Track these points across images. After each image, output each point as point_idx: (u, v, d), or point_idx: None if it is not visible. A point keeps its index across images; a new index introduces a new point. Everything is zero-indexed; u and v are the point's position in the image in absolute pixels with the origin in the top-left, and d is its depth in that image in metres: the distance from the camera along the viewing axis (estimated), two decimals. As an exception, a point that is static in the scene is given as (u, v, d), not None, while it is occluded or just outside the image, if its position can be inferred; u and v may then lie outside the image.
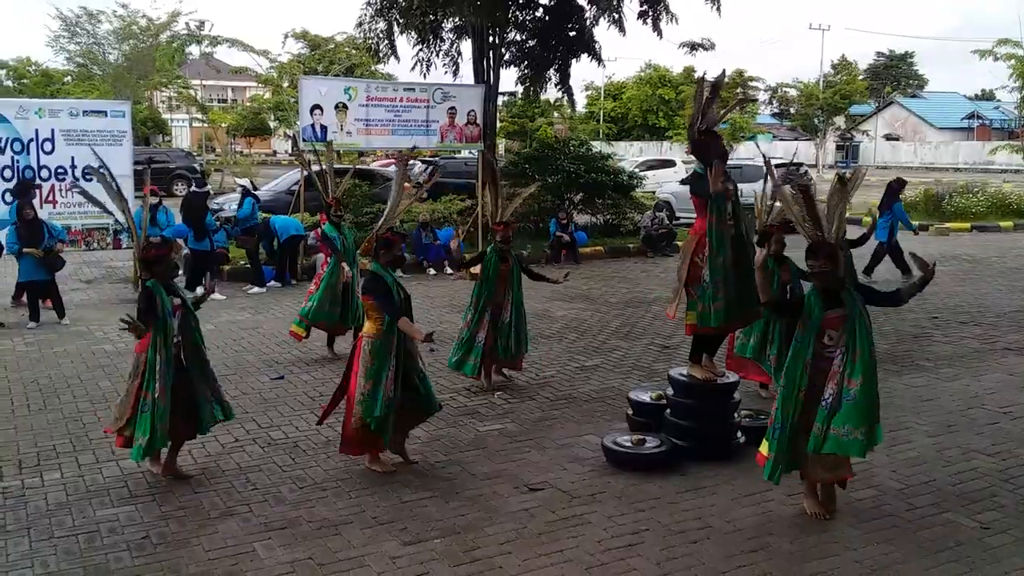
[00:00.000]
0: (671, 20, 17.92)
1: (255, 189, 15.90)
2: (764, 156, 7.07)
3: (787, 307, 5.67)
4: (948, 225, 20.85)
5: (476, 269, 8.05)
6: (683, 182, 6.05)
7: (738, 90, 44.10)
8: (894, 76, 73.87)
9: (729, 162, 6.33)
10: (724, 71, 6.33)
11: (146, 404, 5.52)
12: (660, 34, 18.06)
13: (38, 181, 11.96)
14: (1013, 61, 25.26)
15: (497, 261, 7.83)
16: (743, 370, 7.45)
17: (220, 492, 5.58)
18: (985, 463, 6.10)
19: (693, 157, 6.26)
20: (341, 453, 6.03)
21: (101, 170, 6.60)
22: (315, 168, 10.15)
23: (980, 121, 63.03)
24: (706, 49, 18.94)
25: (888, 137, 63.70)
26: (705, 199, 5.94)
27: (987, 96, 67.22)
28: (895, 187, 14.02)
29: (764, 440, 5.22)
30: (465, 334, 7.81)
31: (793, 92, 50.28)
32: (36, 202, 11.38)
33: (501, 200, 8.21)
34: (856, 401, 4.85)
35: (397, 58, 18.98)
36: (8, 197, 11.62)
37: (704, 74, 6.24)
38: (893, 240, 13.57)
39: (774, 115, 56.19)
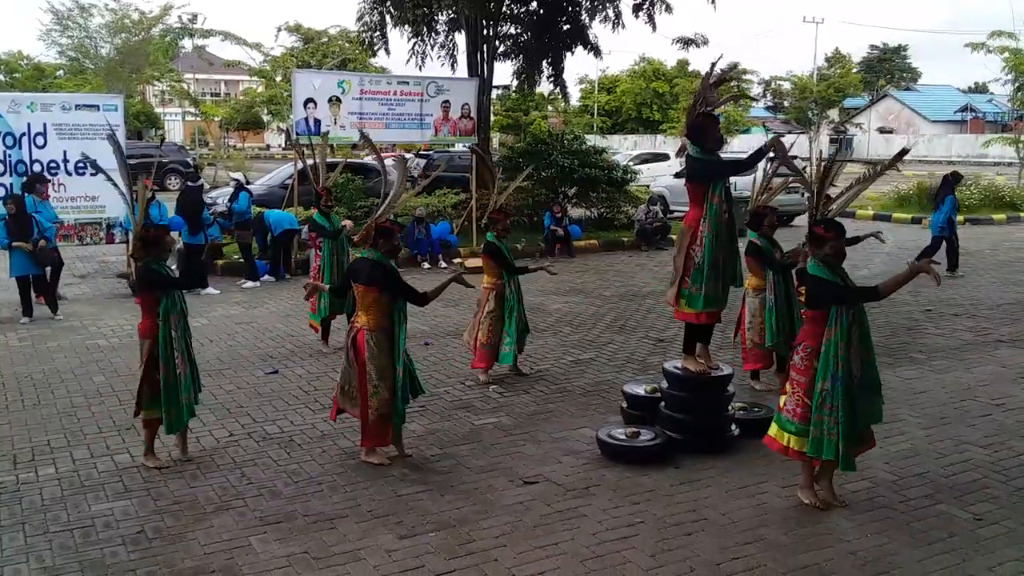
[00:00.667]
0: (665, 10, 17.97)
1: (248, 183, 15.89)
2: (781, 144, 6.74)
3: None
4: (941, 218, 20.88)
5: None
6: (678, 175, 5.93)
7: (732, 83, 44.09)
8: (888, 69, 73.90)
9: (721, 154, 6.31)
10: (737, 64, 6.29)
11: (168, 378, 5.73)
12: (654, 27, 18.11)
13: (31, 175, 11.91)
14: (1006, 54, 25.29)
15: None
16: (761, 362, 7.45)
17: (215, 487, 5.58)
18: (978, 455, 6.12)
19: (687, 140, 6.10)
20: (363, 447, 5.99)
21: (98, 164, 6.71)
22: (309, 161, 10.25)
23: (973, 114, 63.13)
24: (699, 45, 18.94)
25: (882, 130, 63.77)
26: (704, 184, 5.90)
27: (980, 89, 67.31)
28: (950, 180, 13.86)
29: (788, 434, 5.16)
30: (515, 328, 7.82)
31: (787, 85, 50.30)
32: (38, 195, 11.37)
33: (497, 190, 8.29)
34: (874, 370, 5.06)
35: (388, 51, 19.02)
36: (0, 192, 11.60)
37: (720, 57, 6.15)
38: (952, 231, 13.48)
39: (768, 108, 56.18)
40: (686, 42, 18.92)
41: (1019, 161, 25.16)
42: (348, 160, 15.69)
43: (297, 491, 5.51)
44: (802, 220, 21.18)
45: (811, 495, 5.24)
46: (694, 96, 6.19)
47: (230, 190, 14.93)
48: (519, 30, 18.62)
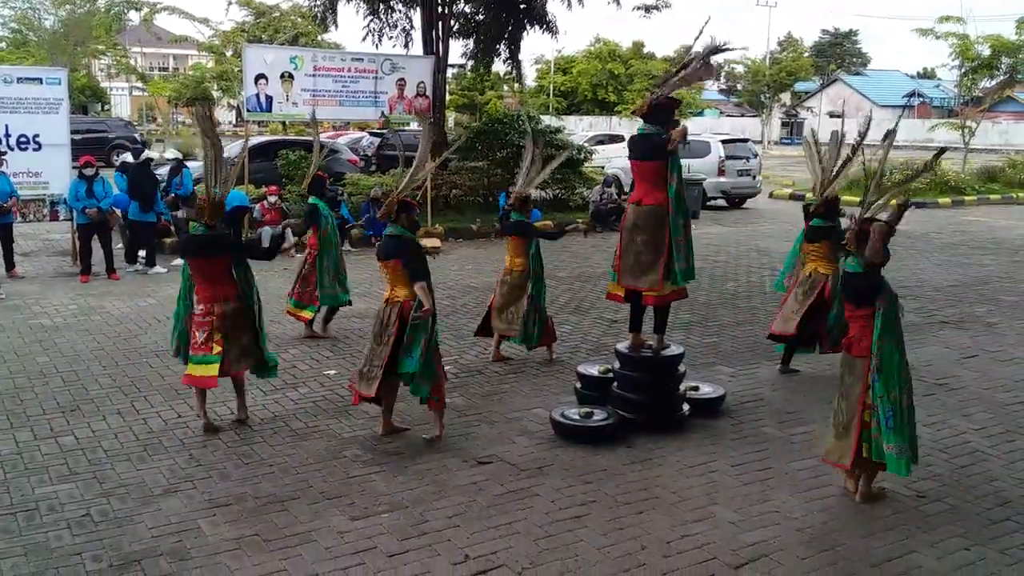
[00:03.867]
0: None
1: (186, 158, 15.51)
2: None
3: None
4: (889, 201, 21.27)
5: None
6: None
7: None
8: (838, 54, 74.90)
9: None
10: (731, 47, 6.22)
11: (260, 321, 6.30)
12: (619, 3, 18.09)
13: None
14: (953, 39, 25.76)
15: None
16: None
17: (163, 468, 5.49)
18: (922, 433, 6.18)
19: (644, 119, 6.15)
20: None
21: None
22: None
23: (920, 99, 64.26)
24: (660, 9, 18.83)
25: (832, 114, 64.69)
26: (663, 161, 5.96)
27: (928, 75, 68.53)
28: None
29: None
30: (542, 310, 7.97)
31: (740, 69, 50.73)
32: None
33: (531, 177, 8.70)
34: None
35: (336, 25, 18.81)
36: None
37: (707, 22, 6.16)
38: None
39: (721, 91, 56.66)
40: (647, 8, 18.81)
41: (964, 146, 25.68)
42: (301, 138, 15.51)
43: (248, 473, 5.45)
44: (753, 203, 21.44)
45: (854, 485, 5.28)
46: (686, 72, 6.13)
47: (167, 168, 14.51)
48: (475, 8, 18.45)
